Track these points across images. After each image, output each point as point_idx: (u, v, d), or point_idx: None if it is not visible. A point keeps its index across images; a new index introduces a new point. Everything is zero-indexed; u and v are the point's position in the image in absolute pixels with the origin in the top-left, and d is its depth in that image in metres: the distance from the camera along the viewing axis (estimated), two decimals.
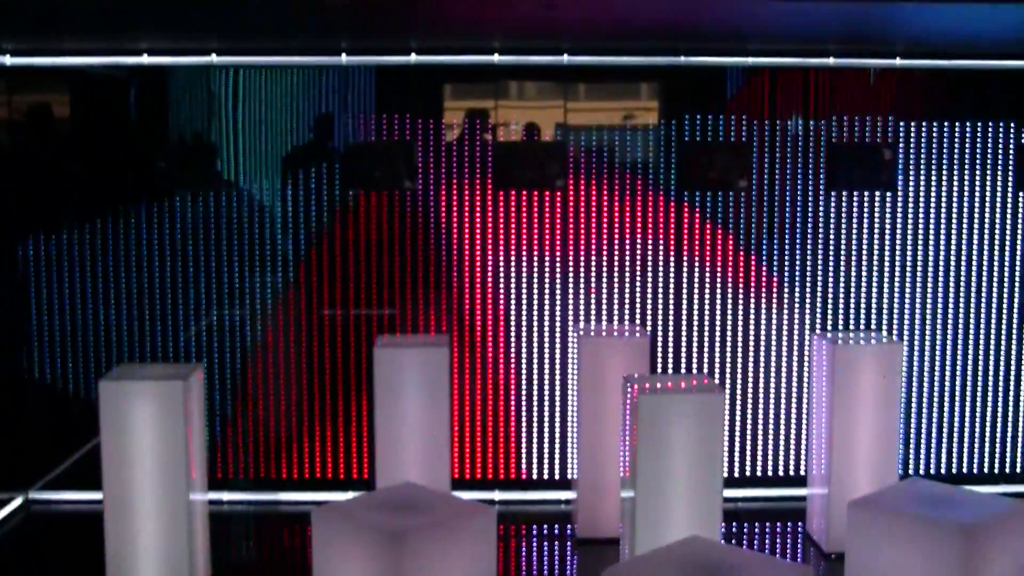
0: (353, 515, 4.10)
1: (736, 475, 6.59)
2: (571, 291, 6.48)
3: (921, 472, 6.65)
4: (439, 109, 6.43)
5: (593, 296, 6.46)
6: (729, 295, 6.50)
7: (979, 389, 6.67)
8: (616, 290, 6.47)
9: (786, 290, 6.54)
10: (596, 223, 6.43)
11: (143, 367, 5.39)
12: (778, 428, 6.60)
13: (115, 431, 5.04)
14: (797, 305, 6.55)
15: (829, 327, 6.55)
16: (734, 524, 6.22)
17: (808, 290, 6.56)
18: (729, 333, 6.53)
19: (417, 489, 4.45)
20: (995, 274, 6.60)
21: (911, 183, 6.51)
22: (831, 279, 6.56)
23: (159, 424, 5.03)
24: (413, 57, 6.29)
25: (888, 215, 6.53)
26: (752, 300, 6.52)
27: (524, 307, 6.46)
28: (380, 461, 5.72)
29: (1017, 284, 6.61)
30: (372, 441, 5.89)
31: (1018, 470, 6.73)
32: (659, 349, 6.50)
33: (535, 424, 6.53)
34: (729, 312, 6.51)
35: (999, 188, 6.55)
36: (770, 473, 6.63)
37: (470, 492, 6.26)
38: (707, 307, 6.50)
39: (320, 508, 4.23)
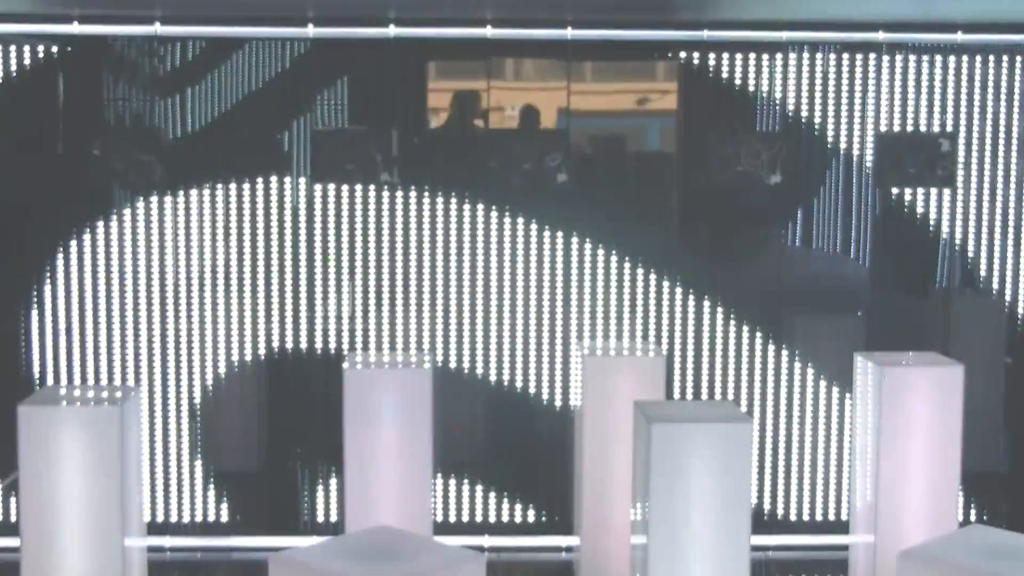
0: (317, 564, 4.10)
1: (766, 519, 6.55)
2: (576, 303, 6.45)
3: (983, 518, 6.63)
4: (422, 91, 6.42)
5: (601, 308, 6.44)
6: (757, 309, 6.48)
7: None
8: (627, 302, 6.44)
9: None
10: (602, 225, 6.42)
11: (71, 389, 5.35)
12: (816, 464, 6.57)
13: (36, 464, 5.01)
14: (838, 320, 6.53)
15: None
16: None
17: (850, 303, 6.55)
18: (759, 352, 6.50)
19: (394, 533, 4.45)
20: None
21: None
22: (877, 290, 6.55)
23: (89, 457, 5.01)
24: (392, 30, 6.27)
25: (947, 212, 6.51)
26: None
27: (520, 320, 6.43)
28: (350, 500, 5.70)
29: None
30: (341, 477, 5.85)
31: None
32: (676, 370, 6.48)
33: (531, 457, 6.51)
34: (758, 328, 6.49)
35: None
36: (807, 517, 6.60)
37: (456, 537, 6.23)
38: (732, 322, 6.47)
39: (278, 555, 4.21)
